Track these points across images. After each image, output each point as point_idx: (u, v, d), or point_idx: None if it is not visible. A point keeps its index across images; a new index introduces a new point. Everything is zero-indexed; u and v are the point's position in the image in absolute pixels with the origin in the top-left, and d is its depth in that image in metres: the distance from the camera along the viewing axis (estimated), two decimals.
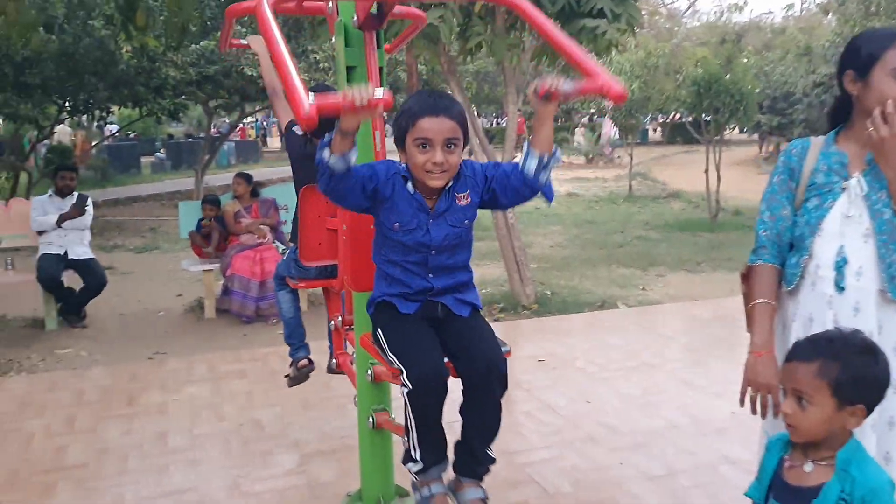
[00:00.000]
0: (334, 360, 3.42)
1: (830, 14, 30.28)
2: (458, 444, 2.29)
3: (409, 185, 2.20)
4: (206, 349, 5.75)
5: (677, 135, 32.97)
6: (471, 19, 6.05)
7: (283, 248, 6.86)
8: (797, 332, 2.19)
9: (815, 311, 2.15)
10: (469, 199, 2.25)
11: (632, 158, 16.68)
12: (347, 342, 3.29)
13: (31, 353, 5.76)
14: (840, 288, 2.10)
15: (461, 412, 2.25)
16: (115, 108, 15.25)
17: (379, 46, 2.60)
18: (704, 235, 10.99)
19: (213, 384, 4.58)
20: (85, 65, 10.72)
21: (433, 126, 2.09)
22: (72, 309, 6.52)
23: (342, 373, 3.43)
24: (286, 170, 21.46)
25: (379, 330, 2.29)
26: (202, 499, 3.23)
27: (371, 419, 2.70)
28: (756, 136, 26.91)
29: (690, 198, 15.33)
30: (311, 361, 3.80)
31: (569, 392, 4.29)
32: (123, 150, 23.96)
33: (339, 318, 3.27)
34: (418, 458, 2.21)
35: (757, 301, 2.22)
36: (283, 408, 4.15)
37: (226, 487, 3.32)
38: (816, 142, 2.21)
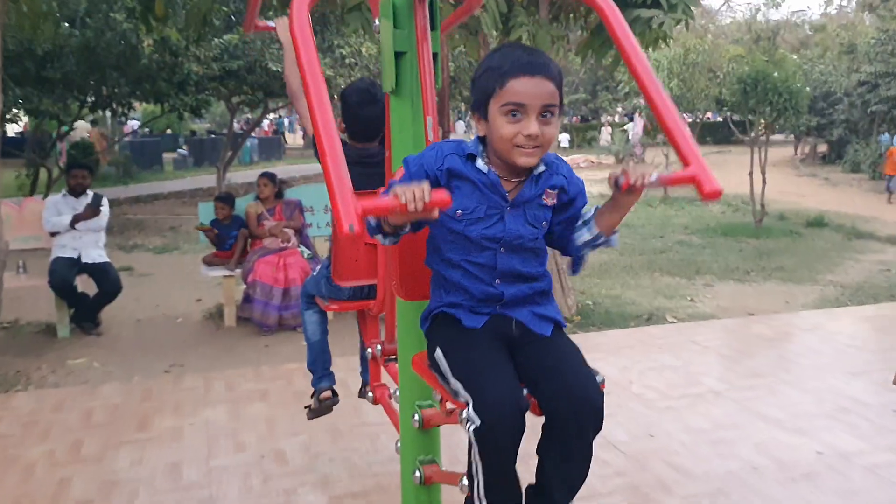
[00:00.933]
0: (370, 393, 2.98)
1: (867, 13, 29.47)
2: (530, 491, 1.84)
3: (481, 162, 1.79)
4: (225, 362, 5.36)
5: (707, 135, 32.22)
6: (512, 9, 5.60)
7: (309, 252, 6.46)
8: None
9: None
10: (556, 200, 1.85)
11: (667, 158, 16.11)
12: (387, 374, 2.86)
13: (42, 364, 5.40)
14: None
15: (539, 451, 1.80)
16: (138, 104, 15.01)
17: (433, 27, 2.16)
18: (750, 241, 10.44)
19: (231, 406, 4.16)
20: (107, 59, 10.42)
21: (528, 88, 1.71)
22: (85, 315, 6.16)
23: (376, 403, 2.99)
24: (309, 167, 21.24)
25: (438, 349, 1.86)
26: None
27: (418, 473, 2.26)
28: (792, 136, 26.14)
29: (730, 200, 14.72)
30: (335, 393, 3.35)
31: (628, 424, 3.82)
32: (146, 146, 23.79)
33: (378, 347, 2.84)
34: None
35: None
36: (308, 436, 3.73)
37: None
38: None
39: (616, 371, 4.63)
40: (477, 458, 1.71)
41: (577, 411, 1.71)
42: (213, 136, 28.18)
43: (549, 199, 1.85)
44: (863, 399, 4.09)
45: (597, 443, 1.79)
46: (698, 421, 3.86)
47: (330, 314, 3.59)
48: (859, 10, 31.56)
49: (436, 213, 1.53)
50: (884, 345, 5.22)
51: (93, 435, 3.80)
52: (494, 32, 5.64)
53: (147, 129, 25.60)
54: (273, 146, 29.35)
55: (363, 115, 2.96)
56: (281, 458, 3.52)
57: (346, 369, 4.57)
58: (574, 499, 1.82)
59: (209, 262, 6.53)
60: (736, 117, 15.29)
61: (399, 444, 2.43)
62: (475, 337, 1.83)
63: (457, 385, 1.75)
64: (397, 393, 2.42)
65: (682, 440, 3.63)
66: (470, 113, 1.90)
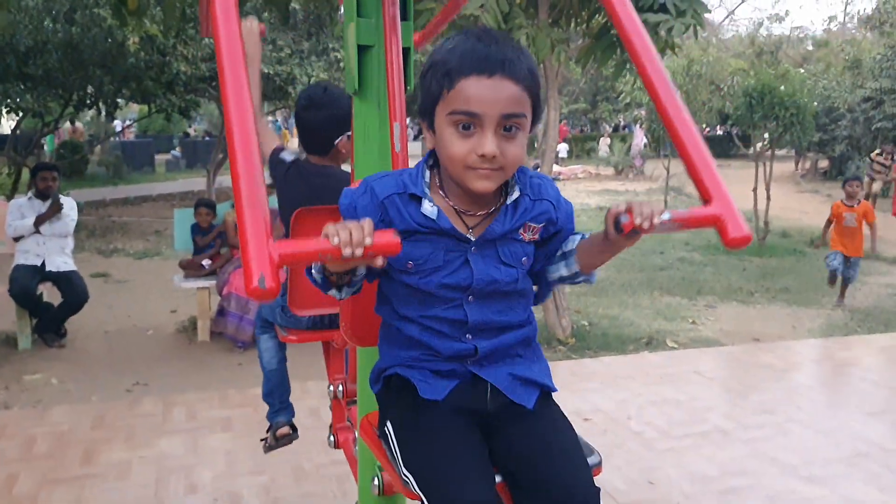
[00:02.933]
0: (331, 436, 2.61)
1: (868, 32, 29.24)
2: None
3: (427, 205, 1.39)
4: (193, 381, 4.99)
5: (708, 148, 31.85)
6: (511, 10, 5.24)
7: None
8: None
9: None
10: (537, 236, 1.46)
11: (668, 172, 15.76)
12: (350, 419, 2.48)
13: None
14: None
15: None
16: (133, 105, 14.63)
17: (405, 18, 1.80)
18: (753, 260, 10.07)
19: (189, 437, 3.78)
20: (91, 56, 10.04)
21: (484, 93, 1.30)
22: (49, 326, 5.77)
23: (338, 447, 2.62)
24: None
25: (389, 424, 1.48)
26: None
27: None
28: (793, 151, 25.83)
29: None
30: (294, 429, 2.97)
31: (626, 468, 3.44)
32: (138, 147, 23.39)
33: (341, 387, 2.47)
34: None
35: None
36: (269, 477, 3.34)
37: None
38: None
39: (613, 405, 4.26)
40: None
41: None
42: (208, 137, 27.80)
43: (530, 234, 1.46)
44: (883, 444, 3.71)
45: None
46: (703, 466, 3.48)
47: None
48: (862, 26, 31.38)
49: (380, 261, 1.17)
50: None
51: (31, 469, 3.40)
52: None
53: (132, 127, 25.08)
54: None
55: (303, 120, 2.59)
56: (236, 502, 3.13)
57: (318, 396, 4.21)
58: None
59: (185, 266, 6.15)
60: (736, 131, 14.97)
61: None
62: (436, 415, 1.42)
63: (408, 478, 1.37)
64: (357, 448, 2.05)
65: (686, 490, 3.25)
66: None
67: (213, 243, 6.20)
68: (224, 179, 16.59)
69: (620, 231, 1.31)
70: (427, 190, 1.41)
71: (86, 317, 6.08)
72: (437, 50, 1.39)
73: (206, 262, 6.10)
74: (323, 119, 2.51)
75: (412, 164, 1.55)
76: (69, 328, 5.97)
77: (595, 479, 1.43)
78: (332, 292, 1.39)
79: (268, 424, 3.05)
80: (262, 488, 3.25)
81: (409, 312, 1.46)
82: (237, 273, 5.79)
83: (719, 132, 30.69)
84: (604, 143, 28.93)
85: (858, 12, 44.90)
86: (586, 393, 4.45)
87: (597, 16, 5.79)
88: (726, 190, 1.39)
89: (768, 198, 10.67)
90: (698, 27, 5.27)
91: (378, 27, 1.78)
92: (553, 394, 1.55)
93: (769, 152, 11.20)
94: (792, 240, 11.62)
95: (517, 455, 1.40)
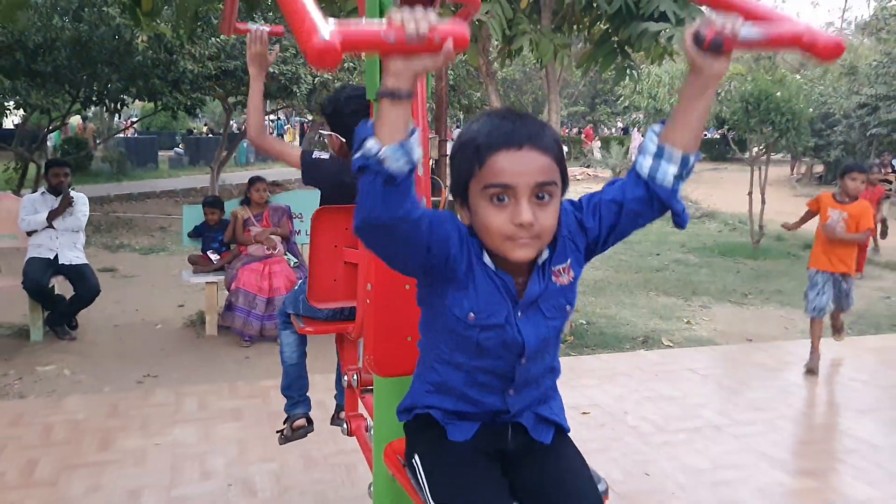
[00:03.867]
0: (344, 424, 2.75)
1: (867, 36, 29.43)
2: None
3: (487, 257, 1.44)
4: (202, 374, 5.12)
5: (703, 151, 32.09)
6: (515, 17, 5.39)
7: (296, 260, 6.22)
8: None
9: None
10: (571, 272, 1.50)
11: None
12: (363, 406, 2.62)
13: (10, 370, 5.15)
14: None
15: None
16: (135, 102, 14.72)
17: None
18: (747, 262, 10.23)
19: (202, 426, 3.92)
20: (99, 54, 10.16)
21: (514, 165, 1.35)
22: (60, 319, 5.90)
23: (350, 434, 2.76)
24: None
25: (417, 458, 1.58)
26: None
27: None
28: (789, 156, 26.01)
29: (727, 219, 14.53)
30: (310, 421, 3.12)
31: (623, 461, 3.59)
32: (141, 143, 23.50)
33: (355, 376, 2.61)
34: None
35: None
36: (280, 465, 3.48)
37: None
38: None
39: (611, 400, 4.41)
40: None
41: None
42: (211, 135, 27.92)
43: (564, 277, 1.51)
44: (872, 441, 3.86)
45: None
46: (697, 459, 3.63)
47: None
48: (859, 33, 31.55)
49: (448, 50, 1.10)
50: (891, 380, 5.00)
51: (49, 455, 3.55)
52: (496, 42, 5.44)
53: (135, 124, 25.19)
54: None
55: (345, 117, 2.70)
56: (249, 488, 3.28)
57: (324, 390, 4.34)
58: None
59: (194, 262, 6.30)
60: (733, 135, 15.12)
61: (372, 489, 2.21)
62: (462, 453, 1.53)
63: None
64: (373, 470, 2.18)
65: (680, 481, 3.40)
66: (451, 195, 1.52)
67: (221, 238, 6.33)
68: (227, 177, 16.75)
69: (700, 45, 1.24)
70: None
71: (95, 311, 6.21)
72: (465, 130, 1.45)
73: (214, 258, 6.24)
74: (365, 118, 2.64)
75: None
76: (79, 322, 6.10)
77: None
78: (370, 143, 1.22)
79: (284, 416, 3.20)
80: (274, 475, 3.40)
81: (461, 360, 1.50)
82: (245, 269, 5.92)
83: (716, 136, 30.89)
84: (595, 147, 29.16)
85: (856, 18, 45.14)
86: (585, 388, 4.60)
87: (598, 22, 5.94)
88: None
89: (763, 202, 10.82)
90: None
91: None
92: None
93: (764, 157, 11.35)
94: (786, 243, 11.76)
95: (535, 488, 1.52)
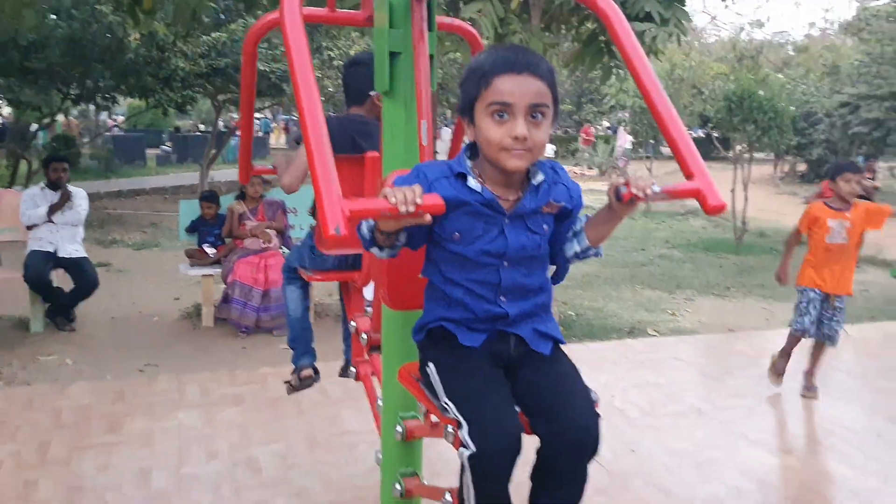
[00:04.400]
0: (352, 368, 2.90)
1: (849, 36, 29.87)
2: None
3: (473, 181, 1.70)
4: (201, 363, 5.25)
5: None
6: (506, 16, 5.56)
7: None
8: None
9: None
10: (558, 210, 1.77)
11: (651, 172, 16.17)
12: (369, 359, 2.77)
13: (13, 359, 5.27)
14: None
15: (533, 476, 1.75)
16: (125, 100, 14.80)
17: (430, 28, 2.10)
18: (730, 258, 10.47)
19: (205, 411, 4.06)
20: (92, 52, 10.26)
21: (514, 87, 1.61)
22: (60, 311, 6.02)
23: (358, 380, 2.90)
24: None
25: (431, 365, 1.78)
26: None
27: (398, 486, 2.20)
28: (772, 155, 26.37)
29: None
30: (316, 371, 3.28)
31: (611, 441, 3.74)
32: (129, 140, 23.49)
33: (364, 335, 2.76)
34: None
35: None
36: (283, 445, 3.63)
37: None
38: None
39: (599, 386, 4.49)
40: (469, 483, 1.64)
41: (572, 438, 1.67)
42: (199, 133, 27.91)
43: (551, 209, 1.78)
44: (851, 425, 4.05)
45: None
46: (681, 441, 3.81)
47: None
48: (842, 32, 31.94)
49: (428, 218, 1.50)
50: (867, 369, 5.21)
51: (61, 437, 3.68)
52: (486, 40, 5.59)
53: (119, 121, 25.17)
54: (258, 145, 29.11)
55: (348, 76, 3.10)
56: (254, 467, 3.42)
57: (325, 376, 4.48)
58: None
59: (191, 255, 6.42)
60: (717, 133, 15.41)
61: (379, 455, 2.37)
62: (472, 357, 1.75)
63: (449, 405, 1.68)
64: (381, 402, 2.34)
65: (665, 461, 3.58)
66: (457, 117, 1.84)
67: (218, 232, 6.45)
68: (216, 174, 16.81)
69: (620, 200, 1.61)
70: (470, 172, 1.73)
71: (91, 304, 6.31)
72: (473, 60, 1.72)
73: (210, 251, 6.37)
74: (363, 75, 2.84)
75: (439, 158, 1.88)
76: (77, 314, 6.20)
77: (598, 416, 1.76)
78: (374, 250, 1.66)
79: (285, 397, 3.35)
80: (278, 455, 3.54)
81: (454, 276, 1.76)
82: (241, 262, 6.06)
83: (700, 134, 31.23)
84: (580, 144, 29.50)
85: (840, 18, 45.67)
86: None
87: (586, 23, 6.13)
88: (704, 167, 1.73)
89: (746, 199, 11.05)
90: (681, 35, 5.61)
91: (406, 36, 2.08)
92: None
93: (748, 155, 11.59)
94: (769, 239, 12.03)
95: (535, 390, 1.73)
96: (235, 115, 22.97)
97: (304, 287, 3.26)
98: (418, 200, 1.46)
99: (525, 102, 1.61)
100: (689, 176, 1.72)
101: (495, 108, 1.63)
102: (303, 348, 3.30)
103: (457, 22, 2.87)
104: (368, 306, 2.85)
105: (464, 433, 1.61)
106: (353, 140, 2.89)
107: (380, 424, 2.40)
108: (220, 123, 18.60)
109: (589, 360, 5.15)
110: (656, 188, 1.60)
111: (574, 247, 1.80)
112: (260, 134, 33.22)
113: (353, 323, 2.84)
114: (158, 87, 11.29)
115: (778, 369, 4.62)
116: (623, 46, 1.88)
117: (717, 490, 3.28)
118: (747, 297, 8.06)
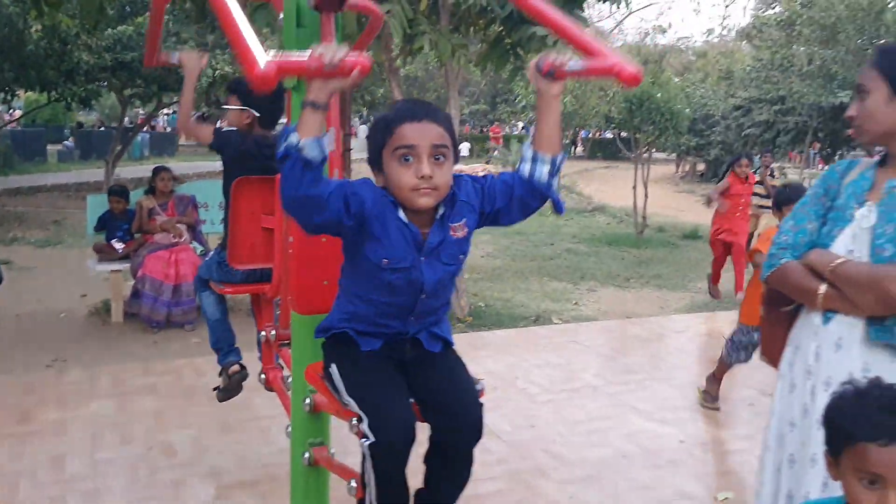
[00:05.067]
0: (262, 376, 3.06)
1: (745, 42, 31.59)
2: (419, 495, 2.00)
3: (402, 213, 1.82)
4: (111, 357, 5.24)
5: (598, 150, 33.65)
6: (415, 17, 5.77)
7: (202, 248, 6.38)
8: (787, 358, 2.02)
9: (802, 339, 1.97)
10: (465, 229, 1.88)
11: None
12: (280, 358, 2.94)
13: None
14: (826, 319, 1.90)
15: (426, 461, 1.96)
16: (21, 92, 14.23)
17: (338, 32, 2.28)
18: (631, 251, 11.02)
19: (118, 400, 4.11)
20: None
21: (416, 132, 1.76)
22: None
23: (272, 389, 3.07)
24: (204, 164, 20.74)
25: (333, 366, 1.95)
26: None
27: (307, 455, 2.37)
28: (674, 155, 27.60)
29: (615, 212, 15.47)
30: (243, 367, 3.41)
31: (512, 416, 4.04)
32: (28, 136, 22.52)
33: (272, 331, 2.93)
34: None
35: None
36: (197, 430, 3.74)
37: None
38: (865, 163, 1.99)
39: (503, 367, 4.87)
40: (370, 468, 1.83)
41: (459, 426, 1.88)
42: (103, 128, 26.99)
43: (459, 232, 1.86)
44: (722, 394, 4.46)
45: None
46: (575, 413, 4.13)
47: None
48: (738, 38, 33.65)
49: (354, 75, 1.51)
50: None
51: None
52: (397, 40, 5.79)
53: (11, 118, 24.06)
54: (166, 142, 28.40)
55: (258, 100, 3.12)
56: (169, 450, 3.53)
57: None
58: (457, 499, 1.99)
59: (99, 250, 6.34)
60: (624, 134, 16.09)
61: (289, 429, 2.53)
62: (371, 358, 1.91)
63: (350, 401, 1.86)
64: (290, 379, 2.51)
65: (560, 431, 3.88)
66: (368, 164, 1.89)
67: (127, 227, 6.40)
68: (122, 171, 16.37)
69: (540, 71, 1.71)
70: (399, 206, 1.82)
71: None
72: (376, 118, 1.87)
73: (119, 247, 6.33)
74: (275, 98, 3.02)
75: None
76: None
77: (482, 405, 1.95)
78: (293, 138, 1.60)
79: (201, 386, 3.47)
80: (192, 439, 3.65)
81: (373, 296, 1.87)
82: (152, 256, 6.05)
83: (610, 136, 32.37)
84: (466, 147, 30.39)
85: (736, 24, 48.06)
86: (481, 360, 5.04)
87: (492, 25, 6.41)
88: (608, 47, 1.84)
89: (646, 196, 11.64)
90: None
91: (315, 39, 2.25)
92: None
93: (647, 155, 12.20)
94: (667, 234, 12.69)
95: (427, 385, 1.93)
96: (142, 111, 22.35)
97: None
98: (343, 52, 1.48)
99: (427, 143, 1.75)
100: (591, 54, 1.80)
101: (401, 152, 1.75)
102: (227, 348, 3.43)
103: (363, 2, 2.98)
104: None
105: (364, 426, 1.80)
106: (267, 161, 2.94)
107: (289, 405, 2.55)
108: (126, 119, 18.12)
109: (496, 345, 5.43)
110: (574, 63, 1.71)
111: (539, 169, 1.83)
112: (168, 130, 32.41)
113: (261, 333, 2.99)
114: (60, 81, 10.97)
115: (712, 394, 4.32)
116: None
117: (605, 454, 3.60)
118: (644, 287, 8.55)
